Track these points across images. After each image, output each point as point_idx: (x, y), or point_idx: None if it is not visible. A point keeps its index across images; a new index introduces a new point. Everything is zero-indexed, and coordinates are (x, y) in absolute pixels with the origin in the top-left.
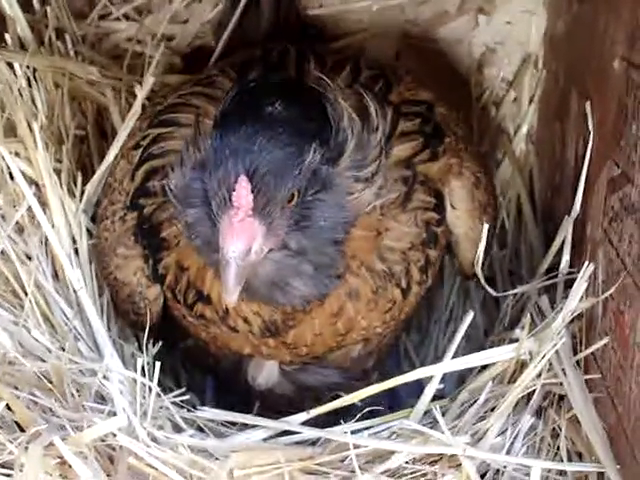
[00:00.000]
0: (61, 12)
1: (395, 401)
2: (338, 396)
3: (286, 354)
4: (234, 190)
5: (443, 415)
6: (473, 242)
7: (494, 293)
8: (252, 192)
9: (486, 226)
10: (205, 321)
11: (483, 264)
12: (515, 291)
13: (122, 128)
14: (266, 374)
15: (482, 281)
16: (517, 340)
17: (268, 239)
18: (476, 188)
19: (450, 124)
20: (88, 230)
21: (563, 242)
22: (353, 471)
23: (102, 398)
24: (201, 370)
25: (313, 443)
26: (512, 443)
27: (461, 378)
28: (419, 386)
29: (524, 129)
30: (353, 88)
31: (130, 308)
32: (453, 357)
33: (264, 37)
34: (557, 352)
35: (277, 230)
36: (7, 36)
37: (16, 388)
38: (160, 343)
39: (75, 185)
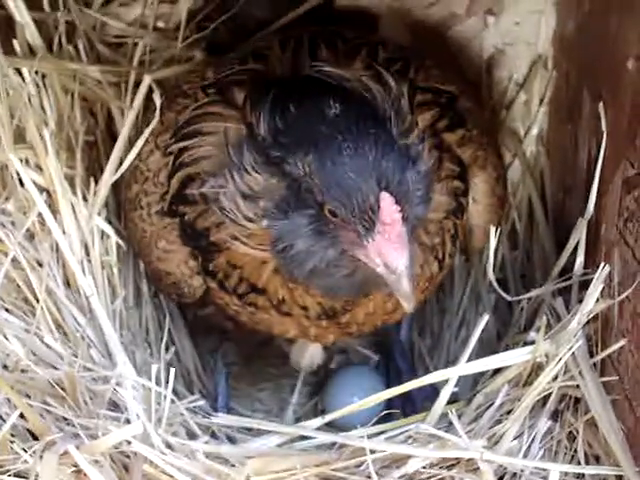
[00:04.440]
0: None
1: (408, 404)
2: None
3: (333, 334)
4: (378, 208)
5: (459, 419)
6: (486, 234)
7: (508, 298)
8: (396, 204)
9: (495, 230)
10: (254, 308)
11: (494, 266)
12: (529, 295)
13: (124, 128)
14: (310, 356)
15: (495, 286)
16: (532, 342)
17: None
18: (497, 183)
19: (476, 117)
20: (102, 234)
21: (577, 244)
22: (369, 476)
23: (115, 405)
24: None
25: (331, 447)
26: (529, 447)
27: (475, 382)
28: (433, 390)
29: (534, 131)
30: (373, 69)
31: (174, 291)
32: (468, 360)
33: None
34: (573, 354)
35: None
36: (15, 43)
37: (28, 396)
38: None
39: (88, 191)
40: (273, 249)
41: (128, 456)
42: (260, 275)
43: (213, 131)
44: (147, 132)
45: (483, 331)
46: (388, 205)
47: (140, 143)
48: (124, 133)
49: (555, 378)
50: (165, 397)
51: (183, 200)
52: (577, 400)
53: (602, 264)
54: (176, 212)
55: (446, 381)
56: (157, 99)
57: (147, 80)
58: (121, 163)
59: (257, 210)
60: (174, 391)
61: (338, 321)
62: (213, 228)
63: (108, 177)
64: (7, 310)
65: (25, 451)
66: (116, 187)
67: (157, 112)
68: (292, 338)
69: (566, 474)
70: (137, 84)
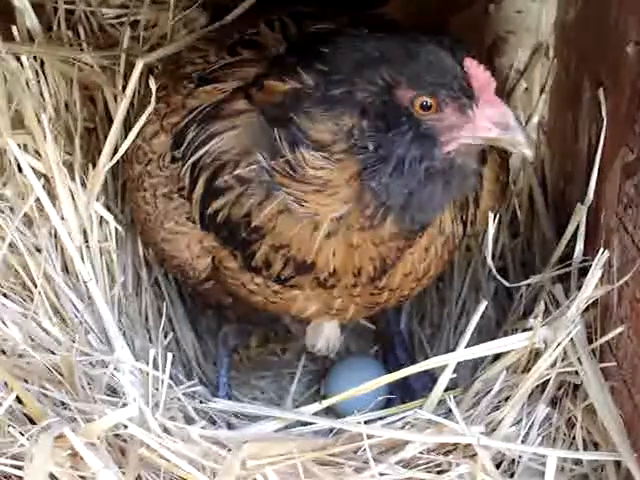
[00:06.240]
0: None
1: (408, 394)
2: None
3: (357, 305)
4: (468, 75)
5: (457, 405)
6: (486, 218)
7: (507, 284)
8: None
9: (493, 216)
10: (290, 287)
11: (495, 255)
12: (528, 281)
13: (118, 114)
14: (326, 338)
15: (494, 272)
16: (531, 329)
17: None
18: (500, 169)
19: None
20: (101, 220)
21: (576, 230)
22: (367, 461)
23: (113, 391)
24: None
25: (329, 433)
26: (527, 433)
27: (474, 370)
28: (431, 379)
29: (535, 119)
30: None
31: (178, 272)
32: (466, 347)
33: None
34: (572, 340)
35: None
36: (14, 29)
37: (26, 381)
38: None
39: (87, 177)
40: (364, 183)
41: (125, 440)
42: (310, 246)
43: (229, 126)
44: (143, 118)
45: (483, 319)
46: (475, 67)
47: (137, 128)
48: (118, 118)
49: (554, 364)
50: (162, 382)
51: (214, 194)
52: (576, 387)
53: (601, 250)
54: (210, 224)
55: (444, 367)
56: (152, 85)
57: (139, 65)
58: (117, 149)
59: (335, 155)
60: (173, 378)
61: (375, 285)
62: (254, 210)
63: (104, 163)
64: (5, 295)
65: (22, 435)
66: (116, 172)
67: (153, 98)
68: (307, 317)
69: (564, 460)
70: (132, 65)
